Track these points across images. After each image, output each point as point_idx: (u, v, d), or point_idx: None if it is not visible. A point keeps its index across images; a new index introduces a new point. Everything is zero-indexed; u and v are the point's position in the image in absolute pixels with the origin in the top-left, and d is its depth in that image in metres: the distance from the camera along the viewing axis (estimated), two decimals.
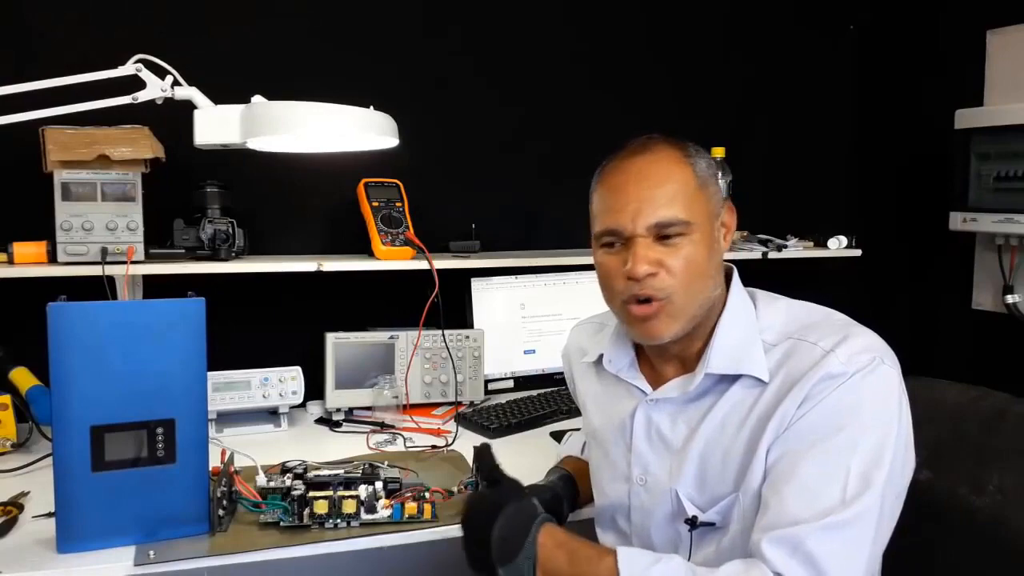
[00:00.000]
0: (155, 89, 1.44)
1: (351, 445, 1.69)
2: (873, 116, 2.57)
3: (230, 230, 1.78)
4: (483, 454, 1.18)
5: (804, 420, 0.96)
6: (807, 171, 2.51)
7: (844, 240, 2.30)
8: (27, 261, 1.63)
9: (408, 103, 1.69)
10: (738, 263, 1.14)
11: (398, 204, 1.94)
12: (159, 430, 1.18)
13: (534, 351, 2.15)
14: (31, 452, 1.58)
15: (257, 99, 1.41)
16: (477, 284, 2.09)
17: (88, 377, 1.13)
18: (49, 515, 1.24)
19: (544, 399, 1.99)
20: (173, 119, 1.50)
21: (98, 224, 1.64)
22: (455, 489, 1.30)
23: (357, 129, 1.42)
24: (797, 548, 0.89)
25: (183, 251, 1.76)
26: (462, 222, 2.06)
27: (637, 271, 1.00)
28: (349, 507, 1.26)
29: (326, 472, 1.32)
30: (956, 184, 2.26)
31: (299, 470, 1.33)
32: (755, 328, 1.06)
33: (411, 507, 1.29)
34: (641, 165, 1.04)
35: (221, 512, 1.24)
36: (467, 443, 1.58)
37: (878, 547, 0.97)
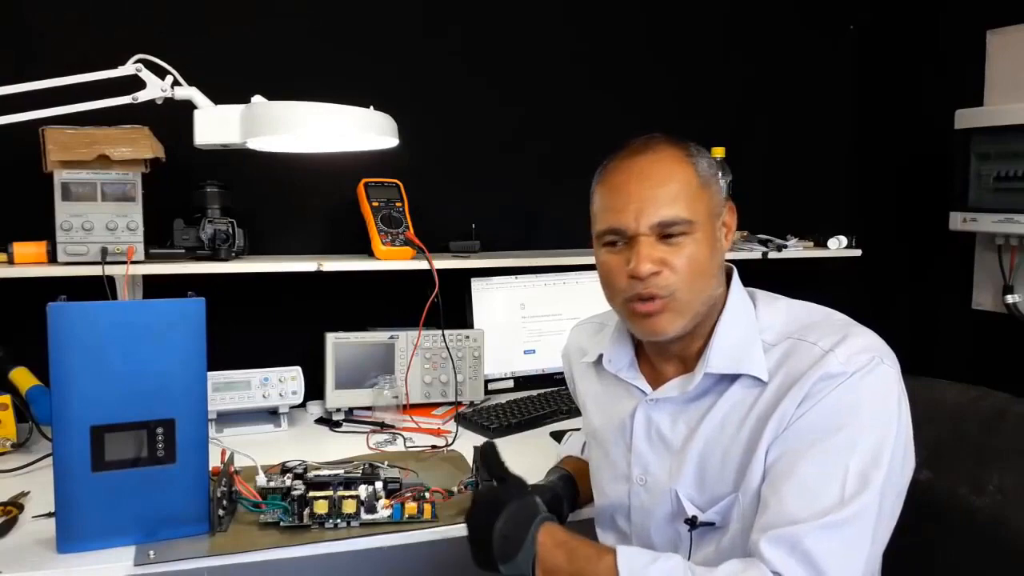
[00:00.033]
0: (155, 89, 1.44)
1: (351, 445, 1.69)
2: (873, 116, 2.57)
3: (230, 230, 1.78)
4: (489, 452, 1.18)
5: (803, 420, 0.96)
6: (807, 171, 2.51)
7: (844, 240, 2.30)
8: (27, 261, 1.64)
9: (408, 103, 1.69)
10: (738, 263, 1.14)
11: (398, 204, 1.94)
12: (159, 430, 1.18)
13: (534, 351, 2.15)
14: (31, 452, 1.58)
15: (257, 99, 1.41)
16: (477, 284, 2.09)
17: (88, 377, 1.13)
18: (49, 515, 1.24)
19: (544, 399, 1.99)
20: (173, 119, 1.50)
21: (98, 224, 1.64)
22: (455, 489, 1.30)
23: (357, 129, 1.42)
24: (795, 547, 0.89)
25: (183, 251, 1.76)
26: (462, 222, 2.06)
27: (641, 270, 1.00)
28: (349, 507, 1.26)
29: (326, 472, 1.32)
30: (956, 184, 2.26)
31: (299, 470, 1.33)
32: (755, 328, 1.06)
33: (411, 507, 1.29)
34: (643, 164, 1.04)
35: (221, 512, 1.24)
36: (467, 443, 1.58)
37: (877, 546, 0.98)
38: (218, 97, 1.45)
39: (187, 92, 1.44)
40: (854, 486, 0.91)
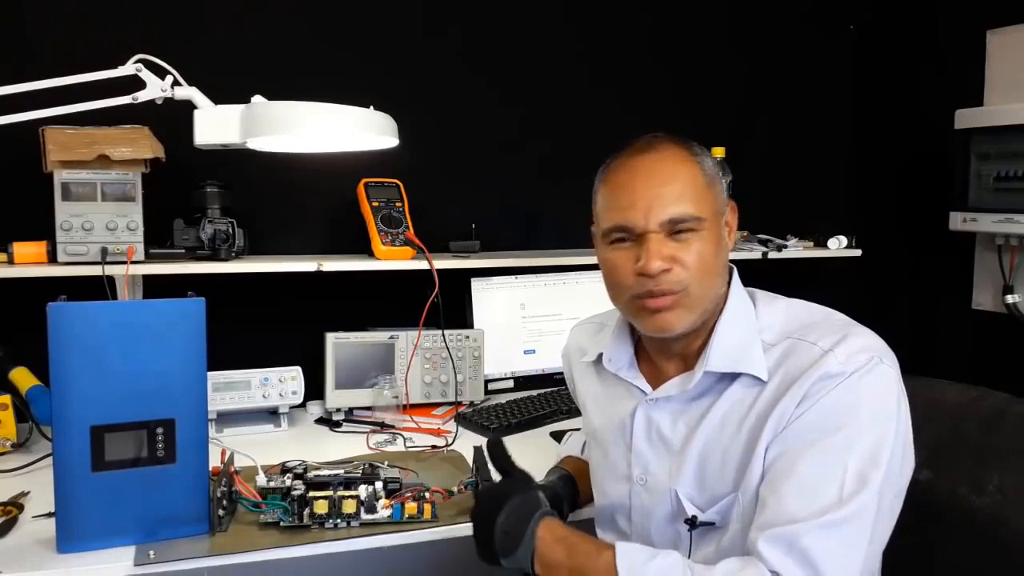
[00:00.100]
0: (155, 89, 1.44)
1: (351, 445, 1.69)
2: (873, 116, 2.57)
3: (230, 230, 1.78)
4: (496, 447, 1.18)
5: (802, 419, 0.96)
6: (807, 171, 2.51)
7: (844, 240, 2.30)
8: (27, 261, 1.64)
9: (408, 103, 1.69)
10: (738, 263, 1.14)
11: (398, 204, 1.94)
12: (159, 430, 1.18)
13: (534, 351, 2.15)
14: (31, 452, 1.58)
15: (257, 99, 1.41)
16: (477, 284, 2.09)
17: (88, 377, 1.13)
18: (49, 515, 1.24)
19: (544, 399, 1.99)
20: (173, 119, 1.50)
21: (98, 224, 1.64)
22: (455, 489, 1.30)
23: (357, 129, 1.42)
24: (793, 546, 0.90)
25: (183, 251, 1.76)
26: (462, 222, 2.06)
27: (651, 267, 1.00)
28: (349, 507, 1.26)
29: (326, 472, 1.32)
30: (956, 184, 2.26)
31: (299, 470, 1.33)
32: (755, 327, 1.06)
33: (411, 507, 1.29)
34: (649, 163, 1.04)
35: (221, 512, 1.24)
36: (467, 443, 1.59)
37: (875, 546, 0.98)
38: (218, 97, 1.45)
39: (187, 92, 1.44)
40: (852, 486, 0.91)
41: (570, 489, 1.26)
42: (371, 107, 1.43)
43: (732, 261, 1.12)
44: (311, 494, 1.26)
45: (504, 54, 2.18)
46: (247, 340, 1.84)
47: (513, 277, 2.13)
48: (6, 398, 1.61)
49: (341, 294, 2.00)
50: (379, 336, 1.90)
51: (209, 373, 1.23)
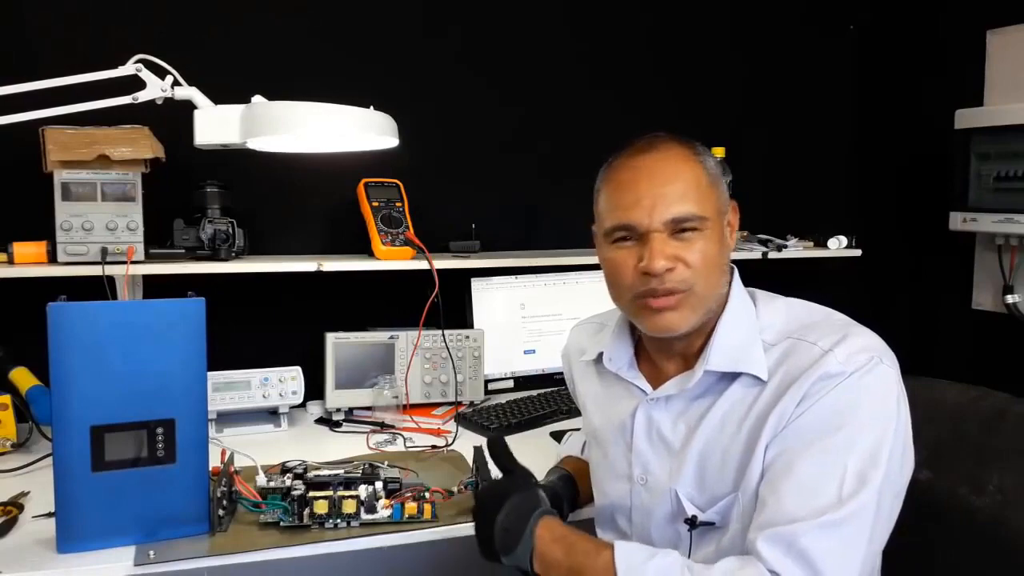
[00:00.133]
0: (155, 89, 1.44)
1: (351, 445, 1.69)
2: (873, 116, 2.57)
3: (230, 230, 1.78)
4: (497, 444, 1.18)
5: (802, 419, 0.96)
6: (807, 171, 2.51)
7: (844, 240, 2.30)
8: (27, 261, 1.64)
9: (408, 103, 1.69)
10: (738, 263, 1.14)
11: (398, 204, 1.94)
12: (159, 430, 1.18)
13: (534, 351, 2.15)
14: (31, 452, 1.58)
15: (257, 99, 1.41)
16: (477, 284, 2.09)
17: (88, 377, 1.13)
18: (49, 515, 1.24)
19: (544, 399, 1.99)
20: (173, 119, 1.50)
21: (98, 224, 1.64)
22: (455, 489, 1.30)
23: (357, 129, 1.42)
24: (792, 546, 0.90)
25: (183, 251, 1.76)
26: (462, 222, 2.06)
27: (655, 266, 1.00)
28: (349, 507, 1.26)
29: (326, 472, 1.32)
30: (956, 184, 2.26)
31: (299, 470, 1.33)
32: (755, 327, 1.06)
33: (411, 507, 1.29)
34: (652, 162, 1.04)
35: (221, 512, 1.24)
36: (467, 443, 1.59)
37: (875, 546, 0.98)
38: (218, 97, 1.45)
39: (187, 92, 1.44)
40: (852, 486, 0.91)
41: (570, 489, 1.26)
42: (371, 107, 1.43)
43: (732, 261, 1.12)
44: (311, 494, 1.26)
45: (504, 54, 2.18)
46: (247, 340, 1.84)
47: (513, 277, 2.13)
48: (6, 398, 1.61)
49: (341, 294, 2.00)
50: (379, 336, 1.90)
51: (209, 373, 1.23)
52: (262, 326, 1.95)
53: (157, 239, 1.74)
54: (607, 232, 1.06)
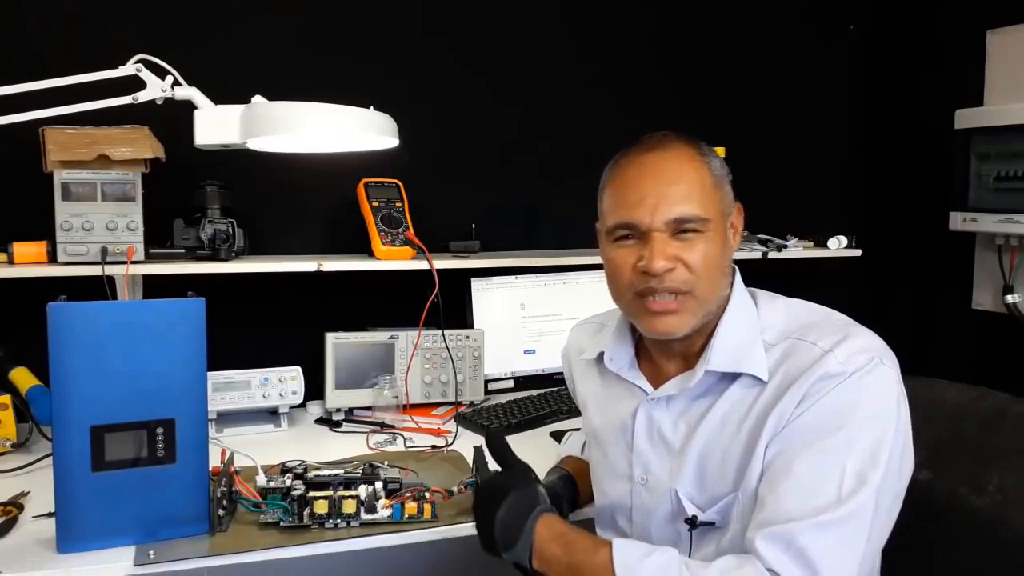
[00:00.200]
0: (155, 89, 1.44)
1: (351, 445, 1.69)
2: (873, 116, 2.57)
3: (230, 230, 1.78)
4: (495, 439, 1.18)
5: (802, 419, 0.96)
6: (807, 171, 2.51)
7: (844, 240, 2.30)
8: (27, 261, 1.64)
9: (408, 103, 1.69)
10: (738, 263, 1.14)
11: (398, 204, 1.94)
12: (159, 430, 1.18)
13: (534, 351, 2.15)
14: (31, 452, 1.58)
15: (257, 99, 1.41)
16: (477, 284, 2.09)
17: (88, 377, 1.13)
18: (49, 515, 1.24)
19: (544, 399, 1.99)
20: (173, 119, 1.50)
21: (98, 224, 1.64)
22: (455, 489, 1.30)
23: (357, 129, 1.42)
24: (790, 545, 0.90)
25: (183, 251, 1.76)
26: (462, 222, 2.06)
27: (655, 266, 1.00)
28: (349, 507, 1.26)
29: (326, 472, 1.32)
30: (956, 184, 2.26)
31: (299, 470, 1.33)
32: (756, 328, 1.06)
33: (411, 507, 1.29)
34: (657, 161, 1.04)
35: (221, 512, 1.24)
36: (467, 443, 1.58)
37: (873, 545, 0.98)
38: (218, 97, 1.45)
39: (187, 92, 1.44)
40: (851, 485, 0.91)
41: (570, 489, 1.26)
42: (371, 107, 1.43)
43: (732, 261, 1.12)
44: (311, 494, 1.26)
45: (504, 54, 2.18)
46: (247, 340, 1.84)
47: (513, 277, 2.13)
48: (6, 398, 1.61)
49: (341, 294, 2.00)
50: (379, 336, 1.90)
51: (209, 373, 1.23)
52: (262, 326, 1.95)
53: (157, 239, 1.74)
54: (609, 230, 1.06)
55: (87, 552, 1.16)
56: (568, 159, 2.19)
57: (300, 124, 1.39)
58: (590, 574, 0.96)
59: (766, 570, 0.89)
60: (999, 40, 2.26)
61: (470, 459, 1.36)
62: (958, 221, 2.26)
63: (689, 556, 1.04)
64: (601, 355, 1.18)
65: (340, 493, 1.27)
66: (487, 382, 2.03)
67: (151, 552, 1.16)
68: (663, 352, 1.11)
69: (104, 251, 1.64)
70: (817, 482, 0.92)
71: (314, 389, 1.87)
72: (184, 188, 1.78)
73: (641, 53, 2.33)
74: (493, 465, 1.19)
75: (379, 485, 1.30)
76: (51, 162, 1.61)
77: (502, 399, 2.00)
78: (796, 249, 2.28)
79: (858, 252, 2.32)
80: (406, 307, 1.90)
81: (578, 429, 1.46)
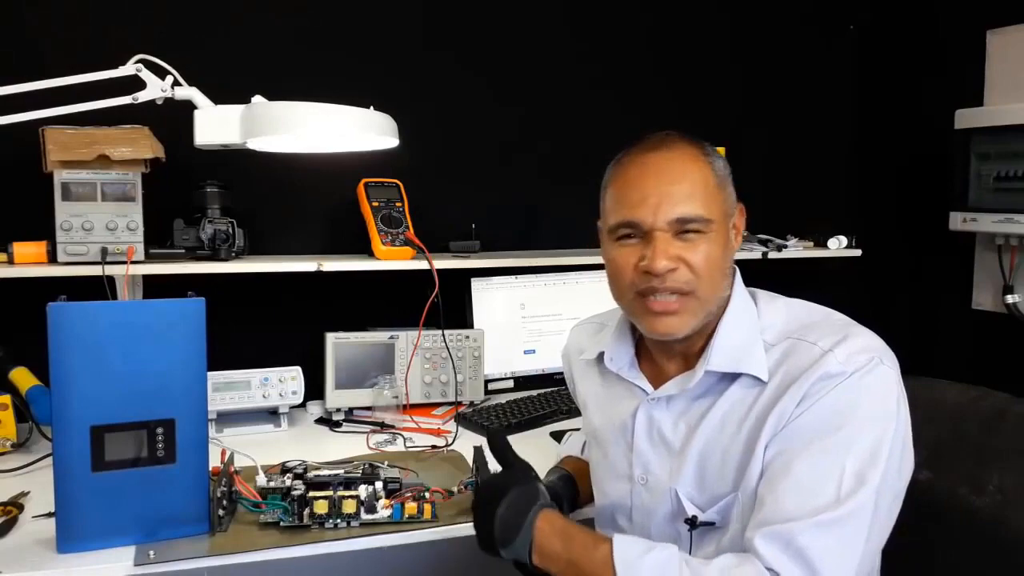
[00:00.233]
0: (155, 89, 1.44)
1: (351, 445, 1.69)
2: (873, 116, 2.57)
3: (230, 230, 1.78)
4: (496, 438, 1.18)
5: (801, 419, 0.96)
6: (807, 171, 2.51)
7: (844, 240, 2.30)
8: (27, 261, 1.64)
9: (408, 103, 1.69)
10: (738, 263, 1.14)
11: (398, 204, 1.94)
12: (159, 430, 1.18)
13: (534, 351, 2.15)
14: (31, 452, 1.58)
15: (257, 99, 1.41)
16: (477, 284, 2.09)
17: (88, 377, 1.13)
18: (49, 515, 1.24)
19: (544, 399, 1.99)
20: (173, 119, 1.50)
21: (98, 224, 1.64)
22: (455, 489, 1.30)
23: (357, 129, 1.42)
24: (790, 544, 0.90)
25: (183, 251, 1.76)
26: (462, 222, 2.06)
27: (657, 266, 1.00)
28: (349, 507, 1.26)
29: (326, 472, 1.32)
30: (956, 184, 2.26)
31: (299, 470, 1.33)
32: (757, 328, 1.06)
33: (411, 507, 1.29)
34: (661, 160, 1.04)
35: (221, 512, 1.24)
36: (467, 443, 1.58)
37: (872, 545, 0.98)
38: (218, 97, 1.45)
39: (187, 92, 1.44)
40: (850, 485, 0.91)
41: (570, 489, 1.26)
42: (371, 107, 1.43)
43: (733, 261, 1.12)
44: (311, 494, 1.26)
45: (504, 54, 2.18)
46: (247, 340, 1.84)
47: (513, 277, 2.13)
48: (6, 398, 1.61)
49: (341, 294, 2.00)
50: (379, 336, 1.90)
51: (209, 373, 1.23)
52: (262, 326, 1.95)
53: (157, 239, 1.74)
54: (611, 229, 1.06)
55: (87, 552, 1.16)
56: (568, 159, 2.19)
57: (300, 124, 1.39)
58: (590, 569, 0.96)
59: (765, 569, 0.89)
60: (999, 40, 2.26)
61: (470, 459, 1.36)
62: (958, 221, 2.26)
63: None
64: (601, 355, 1.18)
65: (340, 493, 1.27)
66: (487, 382, 2.03)
67: (151, 552, 1.16)
68: (663, 352, 1.11)
69: (104, 251, 1.64)
70: (817, 482, 0.92)
71: (314, 389, 1.87)
72: (184, 188, 1.78)
73: (641, 53, 2.33)
74: (493, 465, 1.19)
75: (379, 485, 1.30)
76: (51, 162, 1.61)
77: (502, 399, 2.00)
78: (796, 249, 2.28)
79: (858, 252, 2.32)
80: (406, 307, 1.90)
81: (578, 429, 1.46)
